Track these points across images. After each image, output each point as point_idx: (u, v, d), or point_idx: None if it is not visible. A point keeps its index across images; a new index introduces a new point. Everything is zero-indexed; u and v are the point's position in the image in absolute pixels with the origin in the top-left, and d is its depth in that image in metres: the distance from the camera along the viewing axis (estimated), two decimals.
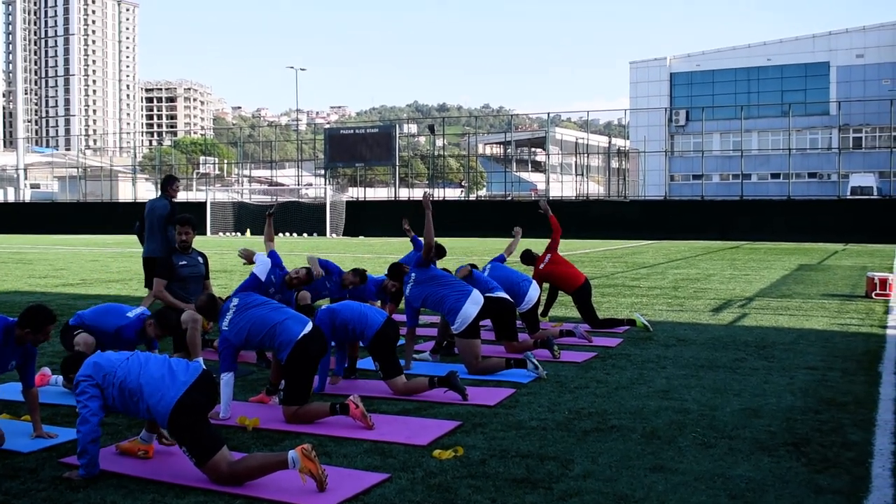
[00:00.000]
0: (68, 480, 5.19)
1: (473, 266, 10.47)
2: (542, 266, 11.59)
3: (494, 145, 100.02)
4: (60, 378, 7.87)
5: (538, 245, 12.63)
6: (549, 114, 58.11)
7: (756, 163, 64.52)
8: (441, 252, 11.41)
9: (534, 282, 10.68)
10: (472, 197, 62.26)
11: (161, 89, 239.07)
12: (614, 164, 64.85)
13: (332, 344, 7.89)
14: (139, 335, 7.61)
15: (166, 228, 10.84)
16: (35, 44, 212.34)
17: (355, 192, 58.56)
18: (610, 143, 66.26)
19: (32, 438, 6.08)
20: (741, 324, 11.98)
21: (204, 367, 5.47)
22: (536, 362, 8.22)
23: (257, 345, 6.75)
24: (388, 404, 7.20)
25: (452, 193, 63.40)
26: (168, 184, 11.37)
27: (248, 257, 7.80)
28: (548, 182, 55.32)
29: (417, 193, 62.16)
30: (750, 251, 30.71)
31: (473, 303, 8.50)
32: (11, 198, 65.53)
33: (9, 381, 8.17)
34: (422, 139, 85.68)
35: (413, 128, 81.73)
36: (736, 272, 20.88)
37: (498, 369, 8.35)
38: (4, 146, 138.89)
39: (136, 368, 5.34)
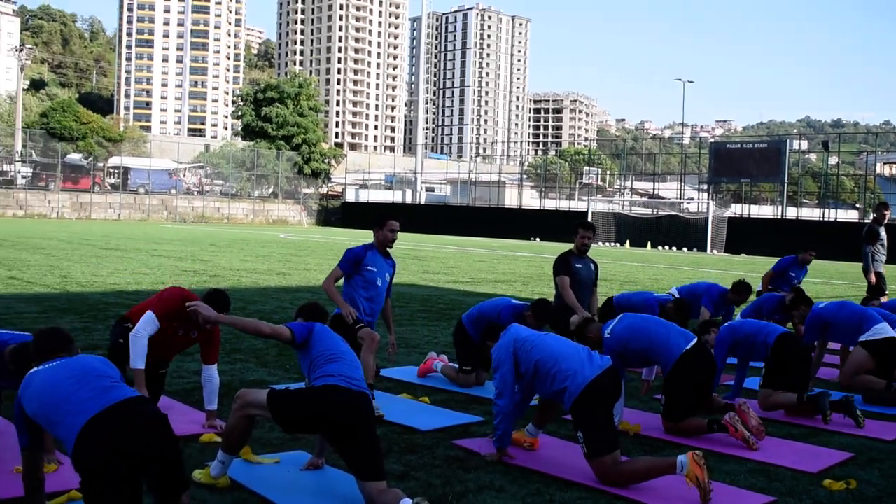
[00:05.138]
0: (469, 457, 5.61)
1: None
2: None
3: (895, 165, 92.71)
4: (440, 364, 8.40)
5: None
6: None
7: None
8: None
9: None
10: (867, 220, 58.04)
11: (548, 101, 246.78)
12: None
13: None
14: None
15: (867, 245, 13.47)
16: (436, 57, 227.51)
17: (738, 209, 56.70)
18: None
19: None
20: None
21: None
22: None
23: (632, 355, 6.66)
24: (772, 427, 6.91)
25: (845, 215, 59.42)
26: (877, 209, 13.95)
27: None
28: None
29: (806, 213, 59.06)
30: None
31: None
32: (409, 199, 70.57)
33: (405, 364, 8.88)
34: (813, 156, 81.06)
35: (804, 144, 77.39)
36: None
37: None
38: (405, 151, 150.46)
39: (551, 342, 5.62)
